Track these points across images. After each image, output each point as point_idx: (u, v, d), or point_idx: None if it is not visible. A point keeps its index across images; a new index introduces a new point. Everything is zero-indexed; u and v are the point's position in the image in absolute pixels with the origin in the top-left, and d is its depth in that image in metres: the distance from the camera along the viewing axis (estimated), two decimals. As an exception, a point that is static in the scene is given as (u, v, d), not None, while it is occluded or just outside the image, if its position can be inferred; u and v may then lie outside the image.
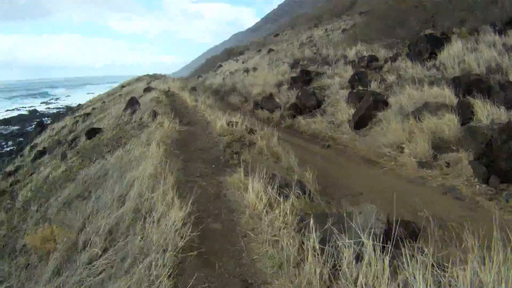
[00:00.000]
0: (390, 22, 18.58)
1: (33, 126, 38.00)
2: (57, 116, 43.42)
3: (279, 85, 18.41)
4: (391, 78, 12.32)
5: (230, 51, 51.96)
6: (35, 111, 60.59)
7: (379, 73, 13.75)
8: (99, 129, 11.39)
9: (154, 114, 9.82)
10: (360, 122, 10.67)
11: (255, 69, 23.69)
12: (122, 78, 70.35)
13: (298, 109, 14.43)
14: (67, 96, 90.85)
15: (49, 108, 65.59)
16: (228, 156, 6.46)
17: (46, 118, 48.56)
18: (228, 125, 8.03)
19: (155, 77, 42.34)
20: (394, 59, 14.55)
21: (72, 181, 7.67)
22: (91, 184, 6.70)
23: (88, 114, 19.77)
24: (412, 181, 6.91)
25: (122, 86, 40.58)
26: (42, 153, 14.40)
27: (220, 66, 40.11)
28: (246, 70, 24.86)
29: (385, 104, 10.49)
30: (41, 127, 34.78)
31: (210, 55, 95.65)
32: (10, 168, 16.44)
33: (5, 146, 36.25)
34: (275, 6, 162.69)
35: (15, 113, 58.86)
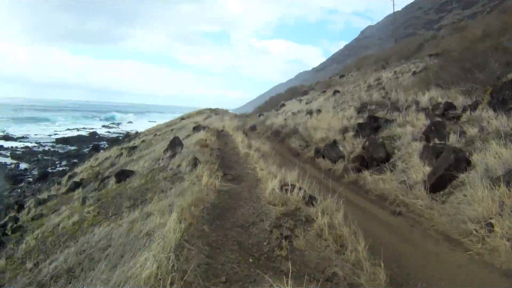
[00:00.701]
0: (467, 65, 16.26)
1: (89, 149, 37.91)
2: (114, 141, 43.65)
3: (344, 131, 16.43)
4: (472, 131, 10.13)
5: (294, 90, 50.50)
6: (95, 133, 61.86)
7: (457, 124, 11.49)
8: (131, 172, 9.75)
9: (195, 163, 8.07)
10: (438, 184, 8.53)
11: (319, 111, 21.81)
12: (185, 109, 71.14)
13: (364, 162, 12.36)
14: (129, 122, 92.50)
15: (109, 132, 66.91)
16: (274, 241, 4.54)
17: (104, 142, 49.06)
18: (281, 189, 6.04)
19: (215, 111, 41.29)
20: (473, 107, 12.28)
21: (75, 241, 6.01)
22: (86, 258, 4.98)
23: (134, 148, 18.50)
24: (506, 274, 5.17)
25: (182, 118, 39.82)
26: (77, 185, 13.05)
27: (283, 105, 38.54)
28: (310, 112, 23.03)
29: (468, 163, 8.42)
30: (96, 150, 34.45)
31: (275, 92, 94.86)
32: (44, 195, 15.45)
33: (58, 165, 36.24)
34: (341, 47, 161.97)
35: (75, 133, 59.97)
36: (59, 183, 17.43)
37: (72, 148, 45.89)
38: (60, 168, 34.00)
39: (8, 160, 36.57)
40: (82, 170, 18.31)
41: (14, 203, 17.78)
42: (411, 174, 9.76)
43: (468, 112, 12.13)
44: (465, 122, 11.47)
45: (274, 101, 48.72)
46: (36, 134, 57.09)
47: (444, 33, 41.86)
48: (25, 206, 14.10)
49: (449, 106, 13.69)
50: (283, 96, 49.18)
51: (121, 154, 17.13)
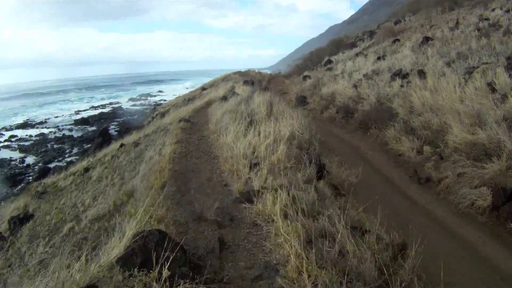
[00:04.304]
0: None
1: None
2: (124, 125, 35.72)
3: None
4: None
5: (339, 42, 39.51)
6: (119, 108, 52.93)
7: None
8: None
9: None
10: None
11: (421, 73, 11.49)
12: (218, 71, 64.22)
13: None
14: (159, 91, 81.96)
15: (135, 105, 57.48)
16: None
17: (122, 119, 41.75)
18: None
19: (246, 74, 32.18)
20: None
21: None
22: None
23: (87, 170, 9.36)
24: None
25: (203, 88, 31.14)
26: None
27: (330, 61, 28.55)
28: (399, 74, 12.72)
29: None
30: (104, 137, 25.44)
31: (307, 47, 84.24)
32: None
33: (67, 155, 28.04)
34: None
35: (98, 111, 51.68)
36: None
37: (91, 129, 38.09)
38: (69, 159, 26.43)
39: (15, 154, 30.18)
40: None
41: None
42: None
43: None
44: None
45: (315, 57, 38.03)
46: (57, 117, 49.42)
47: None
48: None
49: None
50: (326, 50, 38.45)
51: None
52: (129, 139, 13.69)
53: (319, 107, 14.77)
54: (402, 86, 11.67)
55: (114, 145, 13.64)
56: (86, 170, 10.83)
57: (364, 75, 14.97)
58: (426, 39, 16.43)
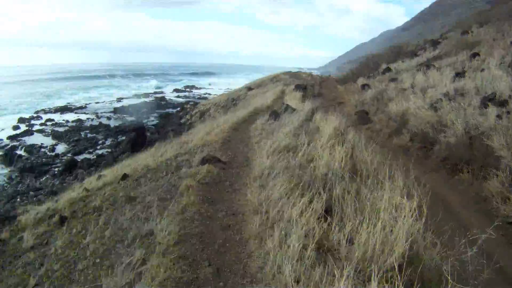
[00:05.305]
0: None
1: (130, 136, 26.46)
2: (165, 117, 34.89)
3: None
4: None
5: (398, 49, 36.40)
6: (162, 99, 51.67)
7: None
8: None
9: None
10: None
11: (528, 103, 8.91)
12: (268, 69, 63.29)
13: None
14: (209, 84, 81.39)
15: (179, 96, 56.29)
16: None
17: (166, 110, 40.80)
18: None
19: (296, 76, 29.78)
20: None
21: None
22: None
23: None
24: None
25: (249, 88, 28.95)
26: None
27: (389, 69, 26.05)
28: (495, 101, 10.10)
29: None
30: (138, 132, 23.80)
31: (358, 51, 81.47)
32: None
33: (98, 147, 26.31)
34: (427, 5, 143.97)
35: (140, 100, 50.46)
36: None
37: (129, 119, 36.42)
38: (100, 151, 24.99)
39: (48, 140, 28.48)
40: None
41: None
42: None
43: None
44: None
45: (372, 63, 35.16)
46: (97, 102, 48.59)
47: None
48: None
49: None
50: (383, 57, 35.52)
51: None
52: (139, 161, 10.40)
53: (386, 130, 12.25)
54: (499, 116, 9.15)
55: (119, 172, 10.13)
56: (62, 220, 7.19)
57: (444, 95, 12.37)
58: (524, 57, 13.61)
